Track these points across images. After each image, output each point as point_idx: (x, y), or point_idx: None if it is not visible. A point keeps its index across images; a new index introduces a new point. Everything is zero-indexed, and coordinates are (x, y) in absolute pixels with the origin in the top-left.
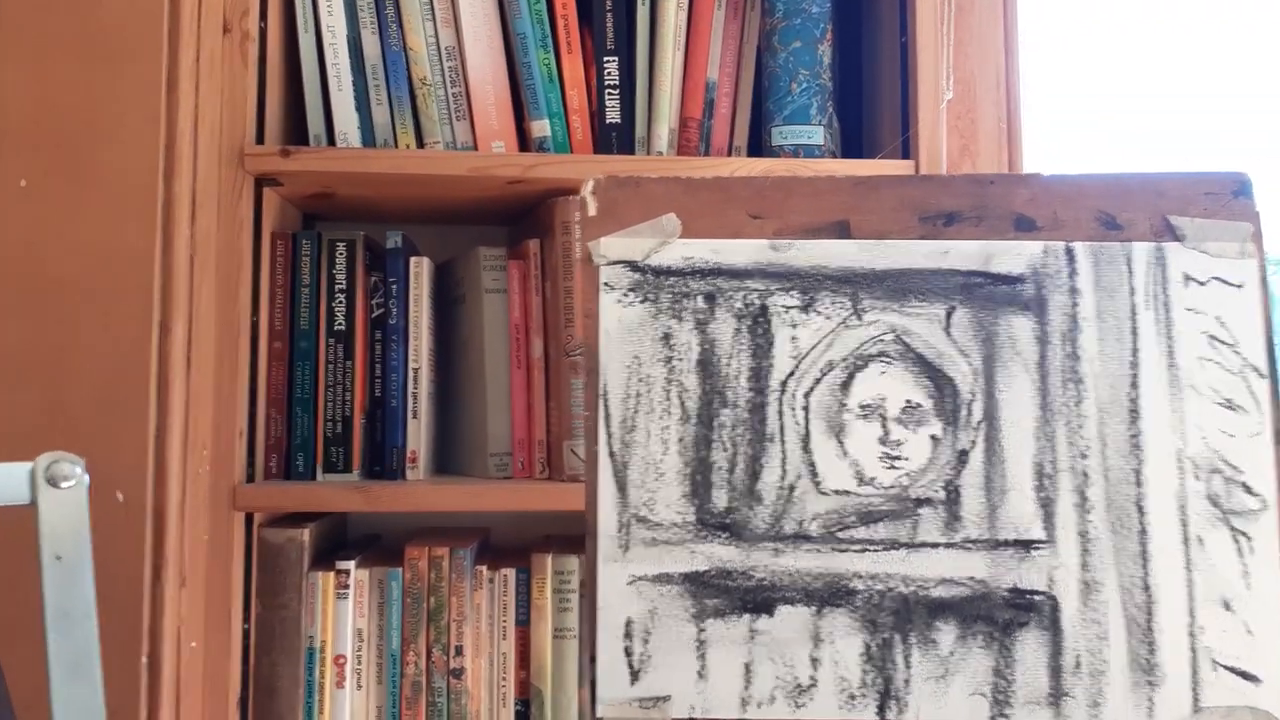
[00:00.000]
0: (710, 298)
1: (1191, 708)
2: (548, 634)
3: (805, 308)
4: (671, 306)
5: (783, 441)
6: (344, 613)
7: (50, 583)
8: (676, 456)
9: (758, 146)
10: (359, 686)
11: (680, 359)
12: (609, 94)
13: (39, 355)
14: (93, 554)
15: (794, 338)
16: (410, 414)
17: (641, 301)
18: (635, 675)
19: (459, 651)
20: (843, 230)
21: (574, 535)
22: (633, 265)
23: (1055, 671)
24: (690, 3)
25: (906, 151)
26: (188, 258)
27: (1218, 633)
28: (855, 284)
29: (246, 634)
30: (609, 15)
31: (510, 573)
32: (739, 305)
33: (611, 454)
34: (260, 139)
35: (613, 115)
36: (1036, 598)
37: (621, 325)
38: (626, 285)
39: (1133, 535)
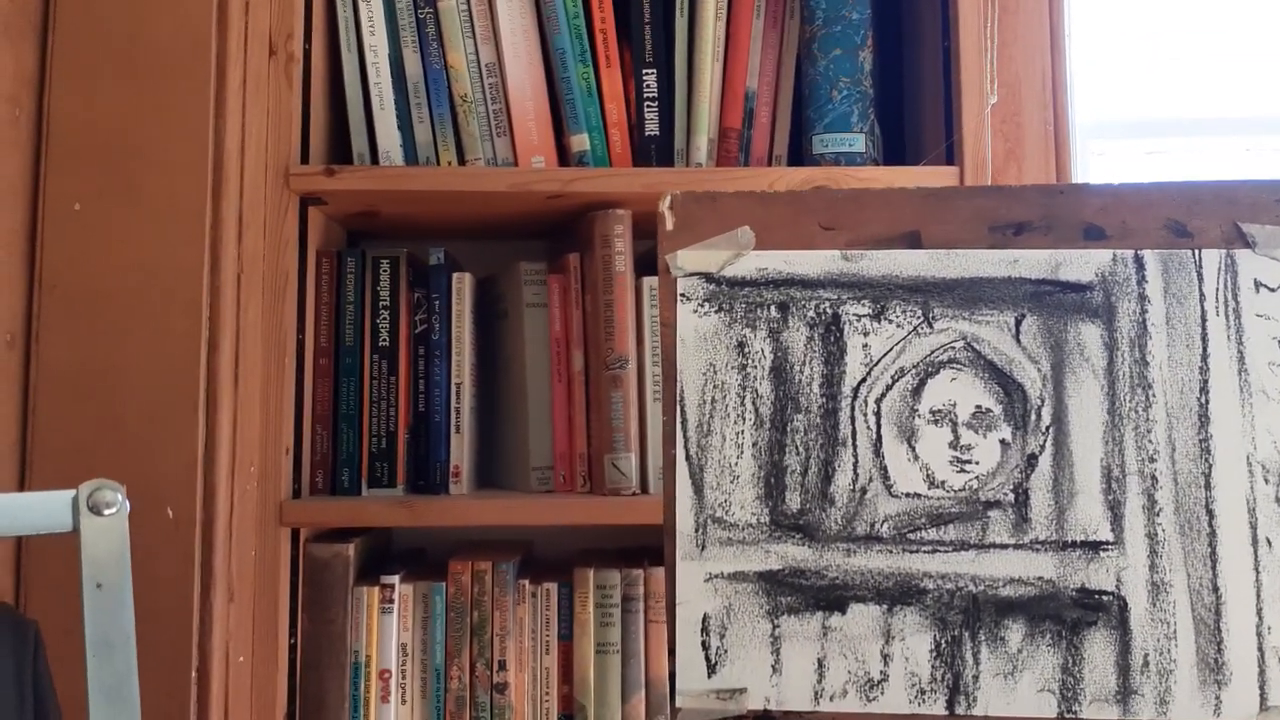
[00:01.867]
0: (783, 307)
1: (1259, 706)
2: (590, 649)
3: (877, 316)
4: (746, 316)
5: (854, 446)
6: (389, 627)
7: (91, 610)
8: (751, 460)
9: (798, 155)
10: (404, 701)
11: (754, 366)
12: (648, 106)
13: (89, 373)
14: (143, 570)
15: (866, 345)
16: (453, 429)
17: (717, 311)
18: (712, 668)
19: (502, 666)
20: (914, 240)
21: (616, 549)
22: (708, 276)
23: (1123, 670)
24: (729, 13)
25: (951, 157)
26: (235, 276)
27: None
28: (926, 292)
29: (293, 648)
30: (647, 28)
31: (553, 587)
32: (811, 314)
33: (688, 457)
34: (305, 158)
35: (651, 128)
36: (1104, 598)
37: (697, 334)
38: (702, 296)
39: (1201, 537)
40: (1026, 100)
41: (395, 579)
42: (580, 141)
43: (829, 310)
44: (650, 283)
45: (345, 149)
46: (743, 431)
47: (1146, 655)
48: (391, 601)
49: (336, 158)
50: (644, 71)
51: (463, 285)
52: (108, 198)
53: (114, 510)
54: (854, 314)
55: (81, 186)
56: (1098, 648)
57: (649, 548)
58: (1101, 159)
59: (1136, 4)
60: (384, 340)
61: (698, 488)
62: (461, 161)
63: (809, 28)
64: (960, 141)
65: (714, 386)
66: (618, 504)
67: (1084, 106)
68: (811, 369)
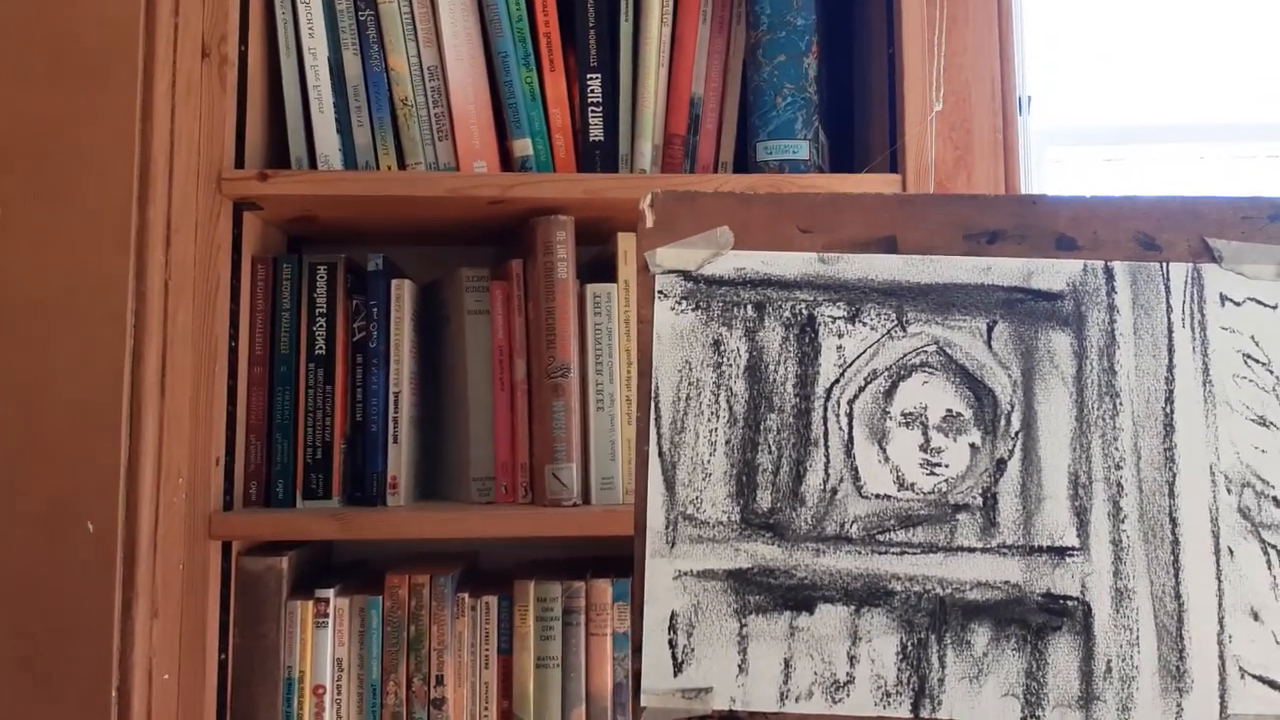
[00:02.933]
0: (760, 307)
1: (1219, 713)
2: (530, 662)
3: (851, 318)
4: (722, 315)
5: (826, 446)
6: (323, 642)
7: None
8: (723, 458)
9: (744, 162)
10: (339, 717)
11: (729, 365)
12: (592, 111)
13: (9, 381)
14: (62, 584)
15: (840, 347)
16: (391, 439)
17: (694, 309)
18: (679, 667)
19: (440, 681)
20: (890, 245)
21: (558, 561)
22: (686, 275)
23: (1086, 675)
24: (674, 18)
25: (894, 165)
26: (162, 282)
27: (1246, 642)
28: (900, 296)
29: (224, 664)
30: (591, 32)
31: (493, 600)
32: (787, 314)
33: (661, 454)
34: (240, 163)
35: (596, 133)
36: (1069, 603)
37: (674, 331)
38: (680, 293)
39: (1165, 545)
40: (976, 108)
41: (330, 593)
42: (523, 146)
43: (805, 311)
44: (594, 290)
45: (284, 153)
46: (716, 429)
47: (1109, 661)
48: (326, 615)
49: (274, 162)
50: (588, 76)
51: (402, 292)
52: (30, 201)
53: None
54: (829, 315)
55: (3, 190)
56: (1061, 653)
57: (593, 559)
58: (1059, 166)
59: (1094, 13)
60: (320, 348)
61: (669, 484)
62: (402, 166)
63: (754, 33)
64: (903, 149)
65: (689, 384)
66: (559, 515)
67: (1041, 114)
68: (786, 369)
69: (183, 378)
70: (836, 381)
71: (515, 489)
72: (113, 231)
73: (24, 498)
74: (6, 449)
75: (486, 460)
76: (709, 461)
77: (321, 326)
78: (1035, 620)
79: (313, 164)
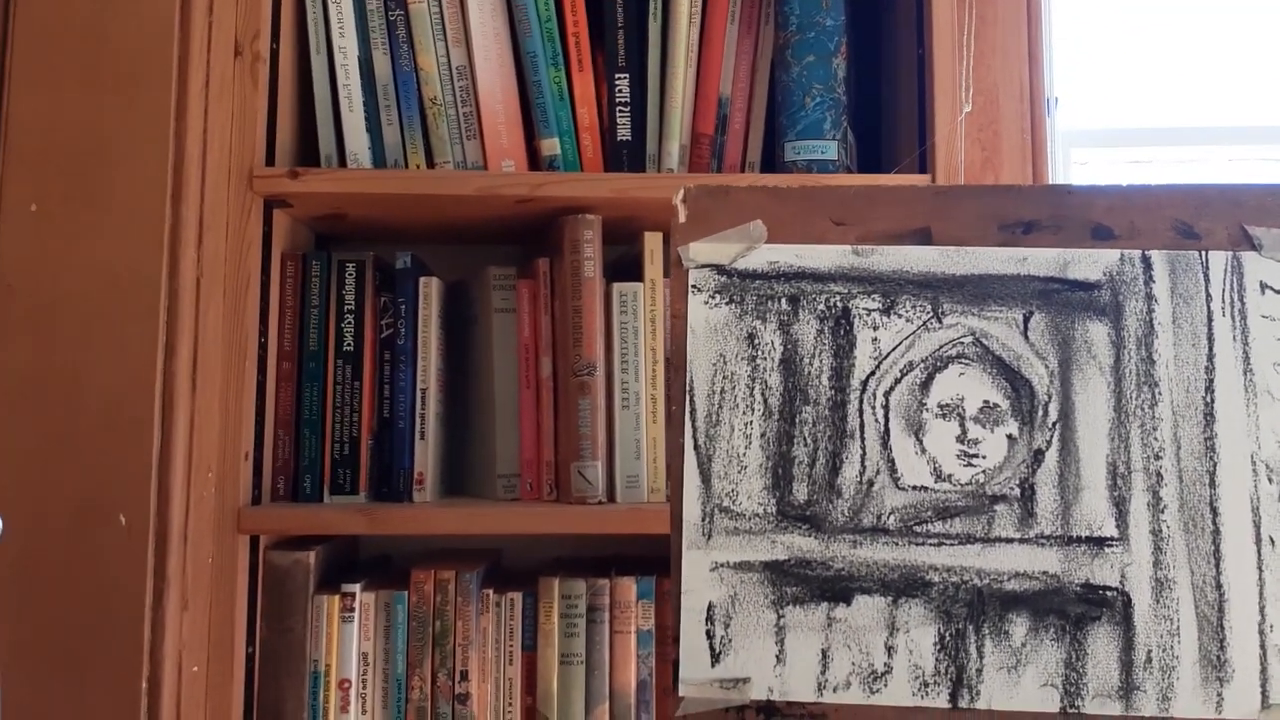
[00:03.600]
0: (794, 300)
1: (1261, 703)
2: (554, 659)
3: (886, 310)
4: (756, 308)
5: (862, 438)
6: (349, 636)
7: None
8: (759, 450)
9: (772, 162)
10: (364, 711)
11: (764, 358)
12: (620, 111)
13: (44, 376)
14: (94, 576)
15: (875, 339)
16: (418, 435)
17: (728, 303)
18: (716, 657)
19: (464, 676)
20: (924, 237)
21: (583, 558)
22: (720, 269)
23: (1126, 665)
24: (703, 18)
25: (924, 166)
26: (194, 279)
27: None
28: (936, 288)
29: (251, 658)
30: (620, 32)
31: (517, 596)
32: (822, 307)
33: (696, 446)
34: (270, 161)
35: (623, 133)
36: (1109, 593)
37: (708, 325)
38: (713, 287)
39: (1205, 535)
40: (1005, 109)
41: (356, 587)
42: (551, 146)
43: (839, 304)
44: (620, 289)
45: (314, 151)
46: (751, 422)
47: (1149, 651)
48: (352, 610)
49: (304, 160)
50: (616, 76)
51: (430, 290)
52: (66, 200)
53: None
54: (864, 308)
55: (39, 188)
56: (1101, 643)
57: (617, 557)
58: (1085, 168)
59: (1122, 15)
60: (349, 345)
61: (705, 477)
62: (430, 164)
63: (783, 34)
64: (933, 149)
65: (724, 377)
66: (583, 513)
67: (1068, 116)
68: (821, 361)
69: (213, 373)
70: (872, 374)
71: (540, 486)
72: (146, 228)
73: (58, 490)
74: (42, 443)
75: (512, 457)
76: (744, 454)
77: (350, 323)
78: (1074, 610)
79: (342, 162)
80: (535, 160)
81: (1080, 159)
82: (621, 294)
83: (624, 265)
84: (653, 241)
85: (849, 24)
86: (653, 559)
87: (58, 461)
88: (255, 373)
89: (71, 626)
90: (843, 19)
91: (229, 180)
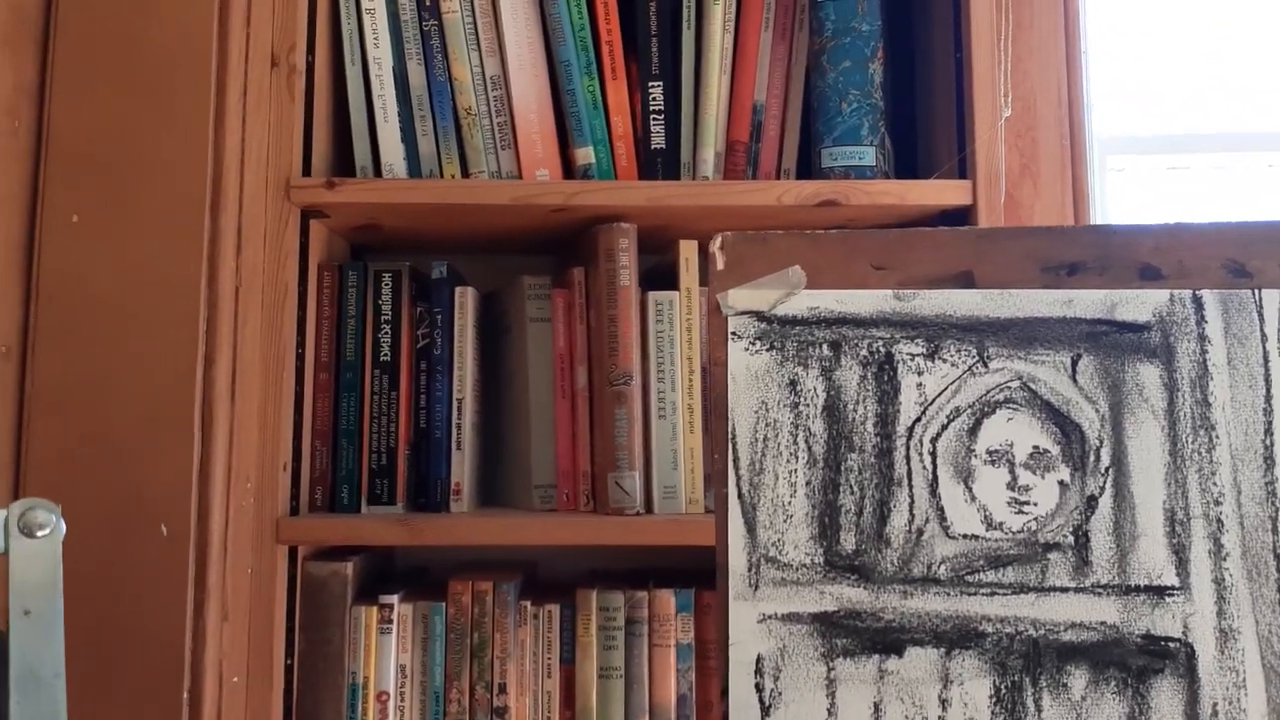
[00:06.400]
0: (836, 345)
1: None
2: (593, 672)
3: (931, 355)
4: (798, 354)
5: (910, 486)
6: (387, 648)
7: (17, 639)
8: (804, 499)
9: (807, 169)
10: None
11: (807, 405)
12: (654, 119)
13: (85, 386)
14: (135, 586)
15: (920, 384)
16: (455, 445)
17: (768, 350)
18: (766, 710)
19: (503, 689)
20: (966, 280)
21: (620, 571)
22: (759, 315)
23: (1192, 719)
24: (736, 25)
25: (963, 171)
26: (233, 289)
27: None
28: (980, 332)
29: (289, 669)
30: (654, 40)
31: (555, 609)
32: (864, 353)
33: (740, 495)
34: (307, 171)
35: (657, 141)
36: (1171, 644)
37: (749, 372)
38: (753, 334)
39: (1270, 582)
40: (1042, 115)
41: (394, 599)
42: (585, 154)
43: (882, 349)
44: (655, 298)
45: (349, 162)
46: (796, 470)
47: (1215, 704)
48: (390, 621)
49: (340, 170)
50: (650, 84)
51: (465, 299)
52: (106, 210)
53: (46, 532)
54: (908, 353)
55: (80, 198)
56: (1165, 696)
57: (654, 569)
58: (1121, 174)
59: (1158, 19)
60: (385, 355)
61: (750, 526)
62: (465, 174)
63: (818, 39)
64: (973, 155)
65: (766, 425)
66: (621, 524)
67: (1104, 121)
68: (865, 408)
69: (252, 383)
70: (918, 420)
71: (577, 497)
72: (186, 239)
73: (100, 500)
74: (83, 452)
75: (548, 468)
76: (790, 503)
77: (386, 333)
78: (1135, 662)
79: (377, 172)
80: (570, 169)
81: (1116, 165)
82: (657, 303)
83: (659, 274)
84: (688, 250)
85: (884, 28)
86: (691, 571)
87: (99, 472)
88: (293, 383)
89: (113, 636)
90: (879, 24)
91: (266, 191)
